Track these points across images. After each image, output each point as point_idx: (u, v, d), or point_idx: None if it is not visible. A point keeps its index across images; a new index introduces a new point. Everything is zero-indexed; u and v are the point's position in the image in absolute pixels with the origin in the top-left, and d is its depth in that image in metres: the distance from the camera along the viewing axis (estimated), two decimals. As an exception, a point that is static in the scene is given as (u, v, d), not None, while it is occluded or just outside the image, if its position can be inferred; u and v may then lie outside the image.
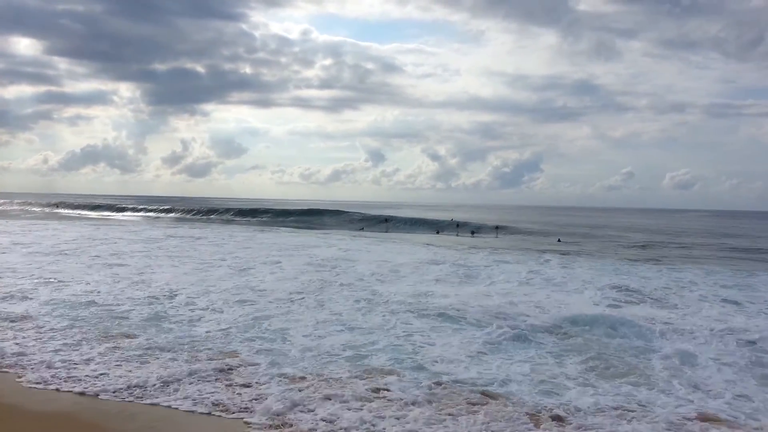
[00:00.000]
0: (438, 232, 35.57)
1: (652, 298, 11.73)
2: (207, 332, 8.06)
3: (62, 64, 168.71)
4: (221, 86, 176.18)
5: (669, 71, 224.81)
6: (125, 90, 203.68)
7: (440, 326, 8.76)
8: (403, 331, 8.38)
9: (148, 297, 10.49)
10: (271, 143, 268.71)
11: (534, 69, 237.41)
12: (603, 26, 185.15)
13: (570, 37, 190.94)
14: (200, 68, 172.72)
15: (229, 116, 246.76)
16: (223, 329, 8.24)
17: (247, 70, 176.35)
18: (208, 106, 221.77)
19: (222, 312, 9.38)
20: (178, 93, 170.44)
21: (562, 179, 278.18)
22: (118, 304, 9.78)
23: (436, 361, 6.95)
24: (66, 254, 16.83)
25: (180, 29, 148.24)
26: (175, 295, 10.71)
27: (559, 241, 33.67)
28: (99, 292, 10.89)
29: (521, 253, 21.11)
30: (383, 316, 9.33)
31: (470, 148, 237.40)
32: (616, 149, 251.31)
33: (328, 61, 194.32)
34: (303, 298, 10.78)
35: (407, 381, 6.21)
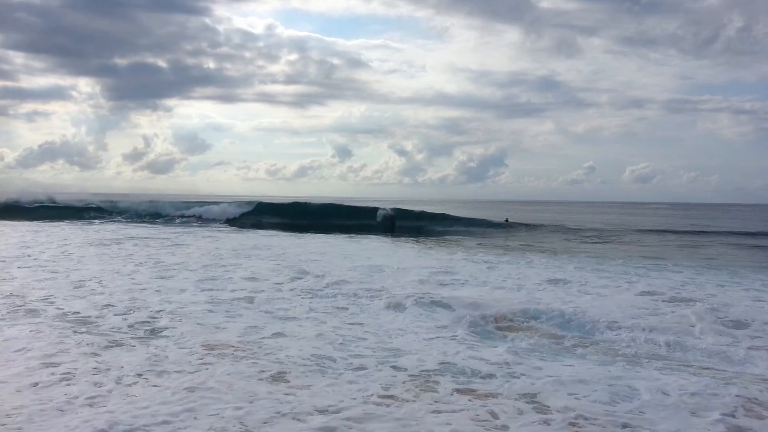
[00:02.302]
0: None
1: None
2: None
3: (18, 58, 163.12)
4: (184, 81, 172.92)
5: (628, 68, 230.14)
6: (84, 85, 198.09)
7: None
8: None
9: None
10: (236, 139, 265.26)
11: (498, 65, 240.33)
12: (564, 23, 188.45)
13: (533, 34, 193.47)
14: (162, 63, 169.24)
15: (192, 112, 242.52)
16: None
17: (211, 64, 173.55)
18: (171, 102, 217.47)
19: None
20: (140, 88, 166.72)
21: (526, 174, 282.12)
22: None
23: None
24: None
25: (141, 23, 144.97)
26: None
27: (506, 221, 34.76)
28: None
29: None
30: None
31: (436, 144, 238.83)
32: (578, 144, 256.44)
33: (293, 56, 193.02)
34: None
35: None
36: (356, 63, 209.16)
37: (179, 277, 12.60)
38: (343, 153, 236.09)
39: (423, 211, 37.04)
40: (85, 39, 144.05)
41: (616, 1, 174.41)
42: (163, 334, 7.79)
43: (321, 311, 9.43)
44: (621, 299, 10.82)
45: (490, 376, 6.33)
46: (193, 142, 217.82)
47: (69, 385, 5.74)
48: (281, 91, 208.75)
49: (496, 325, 8.73)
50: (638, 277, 13.79)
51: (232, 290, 11.04)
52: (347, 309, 9.66)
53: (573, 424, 5.08)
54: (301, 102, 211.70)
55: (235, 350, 7.06)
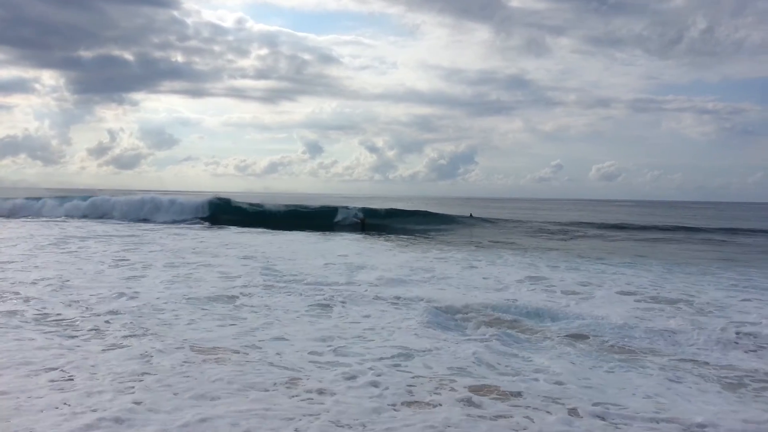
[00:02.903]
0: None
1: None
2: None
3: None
4: (151, 75, 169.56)
5: (596, 68, 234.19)
6: (48, 78, 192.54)
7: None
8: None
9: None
10: (205, 134, 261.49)
11: (469, 63, 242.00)
12: (534, 23, 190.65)
13: (503, 33, 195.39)
14: (129, 56, 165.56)
15: (159, 106, 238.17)
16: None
17: (179, 58, 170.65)
18: (137, 96, 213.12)
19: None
20: (105, 81, 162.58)
21: (495, 171, 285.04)
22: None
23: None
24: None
25: (107, 15, 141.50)
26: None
27: (470, 216, 35.03)
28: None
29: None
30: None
31: (407, 141, 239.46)
32: (546, 142, 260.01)
33: (263, 51, 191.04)
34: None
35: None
36: (327, 59, 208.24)
37: (151, 276, 12.25)
38: (314, 149, 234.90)
39: (392, 209, 37.04)
40: (50, 30, 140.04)
41: (583, 1, 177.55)
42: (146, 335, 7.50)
43: (309, 312, 9.24)
44: (610, 300, 10.90)
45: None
46: (160, 137, 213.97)
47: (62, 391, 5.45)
48: (251, 86, 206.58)
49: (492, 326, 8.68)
50: (614, 275, 13.97)
51: (213, 287, 10.78)
52: (332, 308, 9.49)
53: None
54: (271, 97, 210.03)
55: (233, 353, 6.83)
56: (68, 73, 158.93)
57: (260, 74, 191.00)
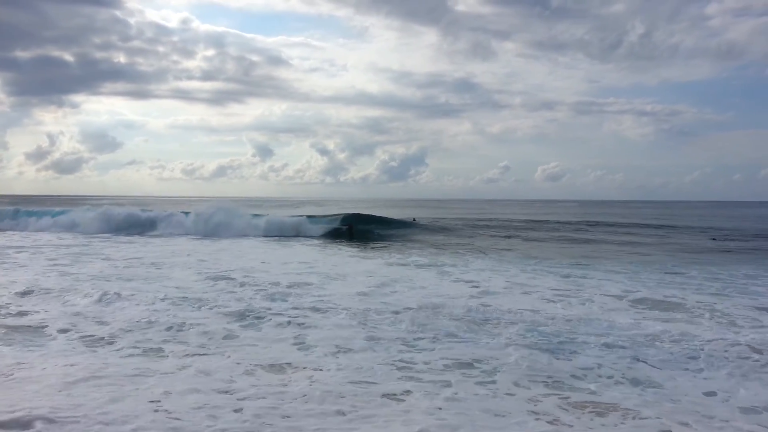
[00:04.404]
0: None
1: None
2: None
3: None
4: (92, 76, 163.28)
5: (540, 71, 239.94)
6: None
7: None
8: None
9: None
10: (150, 137, 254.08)
11: (417, 66, 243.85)
12: (479, 27, 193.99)
13: (450, 36, 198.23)
14: (69, 57, 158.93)
15: (101, 108, 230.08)
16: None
17: (121, 59, 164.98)
18: (78, 98, 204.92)
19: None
20: (44, 83, 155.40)
21: (445, 173, 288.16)
22: None
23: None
24: None
25: (46, 14, 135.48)
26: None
27: (414, 220, 34.99)
28: None
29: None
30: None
31: (358, 143, 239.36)
32: (493, 144, 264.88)
33: (210, 52, 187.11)
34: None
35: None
36: (276, 60, 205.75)
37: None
38: (264, 152, 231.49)
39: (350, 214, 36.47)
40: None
41: (527, 5, 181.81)
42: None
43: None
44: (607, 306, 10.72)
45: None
46: (102, 140, 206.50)
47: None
48: (198, 88, 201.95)
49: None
50: (584, 279, 13.90)
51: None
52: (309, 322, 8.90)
53: None
54: (219, 99, 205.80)
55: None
56: (4, 74, 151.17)
57: (207, 75, 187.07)
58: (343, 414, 5.26)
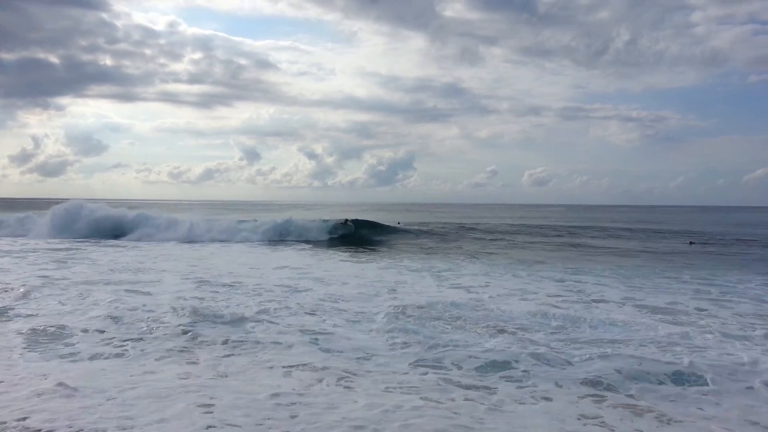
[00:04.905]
0: None
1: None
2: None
3: None
4: (78, 78, 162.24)
5: (527, 77, 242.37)
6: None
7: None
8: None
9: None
10: (136, 140, 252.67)
11: (405, 71, 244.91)
12: (467, 32, 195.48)
13: (438, 41, 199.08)
14: (54, 59, 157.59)
15: (87, 111, 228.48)
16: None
17: (108, 61, 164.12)
18: (64, 100, 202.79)
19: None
20: (29, 85, 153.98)
21: (433, 177, 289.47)
22: None
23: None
24: None
25: (31, 16, 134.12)
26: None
27: (398, 224, 35.30)
28: None
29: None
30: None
31: (346, 147, 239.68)
32: (481, 149, 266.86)
33: (197, 55, 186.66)
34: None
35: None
36: (264, 64, 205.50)
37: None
38: (252, 155, 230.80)
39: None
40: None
41: (514, 12, 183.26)
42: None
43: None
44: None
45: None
46: (87, 143, 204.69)
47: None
48: (185, 91, 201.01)
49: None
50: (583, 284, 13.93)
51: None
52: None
53: None
54: (206, 102, 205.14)
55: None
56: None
57: (194, 79, 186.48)
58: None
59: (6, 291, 11.42)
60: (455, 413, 5.41)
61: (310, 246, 24.97)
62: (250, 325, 8.78)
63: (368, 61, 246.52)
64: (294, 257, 19.88)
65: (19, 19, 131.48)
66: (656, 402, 5.85)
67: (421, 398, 5.77)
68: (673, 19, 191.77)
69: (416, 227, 35.06)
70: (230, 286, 12.55)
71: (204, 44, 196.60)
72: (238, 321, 9.00)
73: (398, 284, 13.30)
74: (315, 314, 9.74)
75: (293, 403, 5.56)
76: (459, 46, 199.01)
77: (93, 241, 25.03)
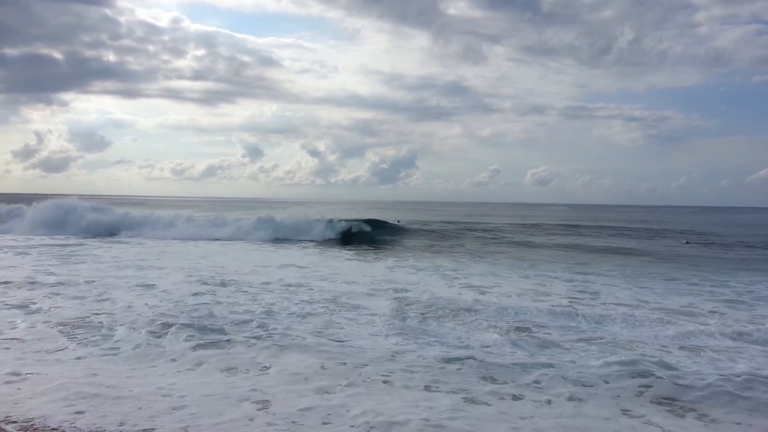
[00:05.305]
0: None
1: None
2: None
3: None
4: (81, 74, 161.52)
5: (530, 75, 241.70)
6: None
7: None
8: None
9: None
10: (139, 136, 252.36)
11: (409, 69, 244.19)
12: (470, 31, 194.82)
13: (441, 40, 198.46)
14: (58, 54, 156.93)
15: (90, 107, 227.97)
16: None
17: (111, 57, 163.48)
18: (67, 96, 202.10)
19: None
20: (32, 81, 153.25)
21: (435, 176, 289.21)
22: None
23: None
24: None
25: (34, 11, 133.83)
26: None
27: (398, 222, 35.19)
28: None
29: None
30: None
31: (349, 145, 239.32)
32: (484, 148, 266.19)
33: (200, 52, 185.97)
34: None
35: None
36: (267, 61, 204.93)
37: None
38: (254, 153, 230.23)
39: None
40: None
41: (517, 10, 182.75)
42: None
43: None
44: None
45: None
46: (91, 139, 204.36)
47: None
48: (188, 87, 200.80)
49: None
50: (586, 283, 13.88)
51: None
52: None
53: None
54: (209, 99, 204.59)
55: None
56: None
57: (197, 75, 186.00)
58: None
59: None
60: (503, 412, 5.52)
61: (314, 244, 24.95)
62: (272, 326, 8.69)
63: (371, 58, 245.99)
64: (298, 256, 19.84)
65: (23, 15, 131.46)
66: (698, 402, 5.88)
67: (462, 398, 5.84)
68: (677, 18, 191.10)
69: (419, 226, 34.98)
70: (239, 284, 12.53)
71: (207, 41, 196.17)
72: (254, 321, 8.94)
73: (409, 284, 13.16)
74: (334, 312, 9.74)
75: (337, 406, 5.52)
76: (462, 45, 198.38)
77: (82, 238, 25.05)
